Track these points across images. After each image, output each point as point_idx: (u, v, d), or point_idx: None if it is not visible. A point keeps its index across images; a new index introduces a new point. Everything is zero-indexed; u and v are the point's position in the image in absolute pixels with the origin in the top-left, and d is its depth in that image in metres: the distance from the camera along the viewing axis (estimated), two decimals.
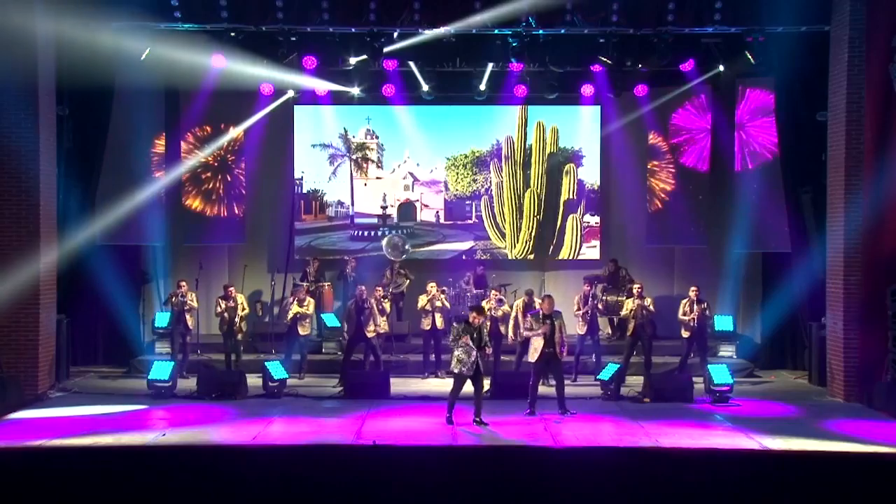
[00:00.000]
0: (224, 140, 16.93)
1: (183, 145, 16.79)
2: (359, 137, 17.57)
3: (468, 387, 11.68)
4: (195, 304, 14.88)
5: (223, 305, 14.59)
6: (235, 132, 16.85)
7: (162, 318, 15.39)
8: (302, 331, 14.68)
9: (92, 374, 15.21)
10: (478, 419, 11.57)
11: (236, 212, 17.11)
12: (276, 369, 13.63)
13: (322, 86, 16.18)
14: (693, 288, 14.53)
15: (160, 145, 16.39)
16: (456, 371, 11.65)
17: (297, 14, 14.37)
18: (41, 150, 13.21)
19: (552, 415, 12.12)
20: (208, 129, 16.90)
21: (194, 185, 16.99)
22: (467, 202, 17.63)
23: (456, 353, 11.66)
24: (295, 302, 14.75)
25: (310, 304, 14.79)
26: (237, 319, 14.55)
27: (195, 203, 16.99)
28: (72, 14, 13.94)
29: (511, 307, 14.70)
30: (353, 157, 17.57)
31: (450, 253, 17.53)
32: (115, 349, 15.69)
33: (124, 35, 14.51)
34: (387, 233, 17.28)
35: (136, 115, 15.85)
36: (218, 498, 8.06)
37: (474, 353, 11.55)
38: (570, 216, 17.51)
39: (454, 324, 12.36)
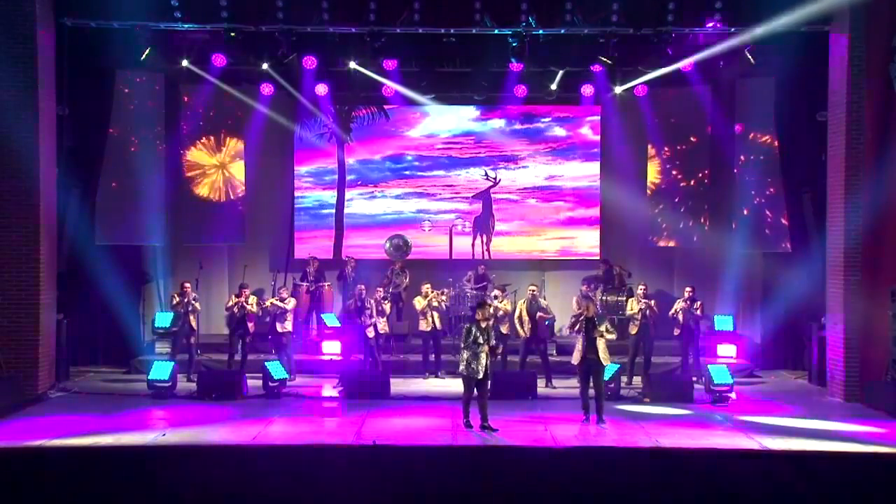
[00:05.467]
0: (223, 140, 16.96)
1: (183, 145, 16.78)
2: (358, 148, 17.59)
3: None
4: (198, 307, 14.87)
5: (235, 301, 14.54)
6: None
7: (162, 319, 15.36)
8: (280, 328, 14.59)
9: (92, 374, 15.21)
10: (485, 424, 11.19)
11: (236, 212, 17.10)
12: (276, 369, 13.63)
13: (322, 87, 16.18)
14: (688, 288, 14.72)
15: (160, 145, 16.37)
16: (465, 373, 11.25)
17: (297, 14, 14.37)
18: (41, 150, 13.19)
19: (552, 415, 12.13)
20: (208, 128, 16.89)
21: (194, 185, 16.96)
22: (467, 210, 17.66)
23: (465, 354, 11.25)
24: (275, 297, 14.75)
25: (289, 302, 14.69)
26: (246, 318, 14.51)
27: (195, 203, 16.95)
28: (72, 14, 13.98)
29: (512, 305, 14.72)
30: (353, 166, 17.56)
31: (454, 253, 17.45)
32: (115, 349, 15.66)
33: (124, 35, 14.54)
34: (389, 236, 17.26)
35: (136, 114, 15.87)
36: (218, 498, 8.08)
37: (484, 355, 11.16)
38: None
39: (464, 325, 11.75)
